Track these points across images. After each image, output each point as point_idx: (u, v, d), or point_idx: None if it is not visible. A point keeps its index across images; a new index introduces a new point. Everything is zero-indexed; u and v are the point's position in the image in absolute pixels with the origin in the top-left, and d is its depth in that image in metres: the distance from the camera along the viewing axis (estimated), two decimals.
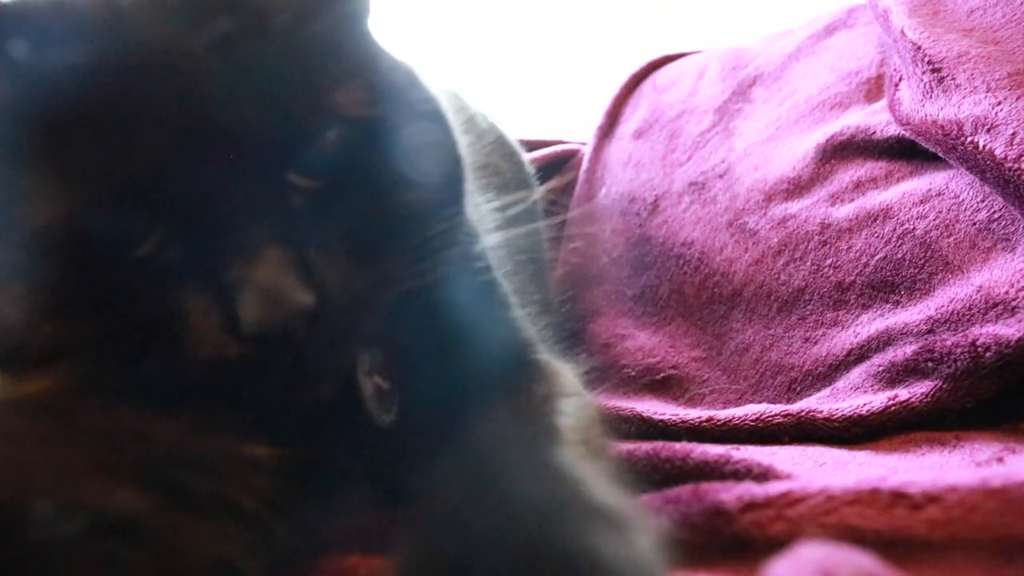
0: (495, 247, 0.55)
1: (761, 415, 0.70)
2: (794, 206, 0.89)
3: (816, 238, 0.84)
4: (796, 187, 0.90)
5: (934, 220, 0.75)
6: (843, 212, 0.83)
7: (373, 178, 0.43)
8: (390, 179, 0.44)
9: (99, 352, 0.39)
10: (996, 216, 0.71)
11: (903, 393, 0.67)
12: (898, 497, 0.38)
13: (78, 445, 0.37)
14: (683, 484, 0.45)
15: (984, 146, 0.67)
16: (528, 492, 0.34)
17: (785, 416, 0.69)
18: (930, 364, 0.67)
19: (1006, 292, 0.65)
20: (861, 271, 0.78)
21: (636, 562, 0.31)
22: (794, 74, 1.04)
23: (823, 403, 0.71)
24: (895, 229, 0.78)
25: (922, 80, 0.76)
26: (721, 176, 1.00)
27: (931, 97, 0.75)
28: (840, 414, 0.68)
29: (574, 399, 0.49)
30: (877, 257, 0.78)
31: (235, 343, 0.38)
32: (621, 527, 0.32)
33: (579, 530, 0.31)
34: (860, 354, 0.74)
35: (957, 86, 0.73)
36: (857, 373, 0.73)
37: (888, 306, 0.75)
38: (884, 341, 0.72)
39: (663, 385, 0.88)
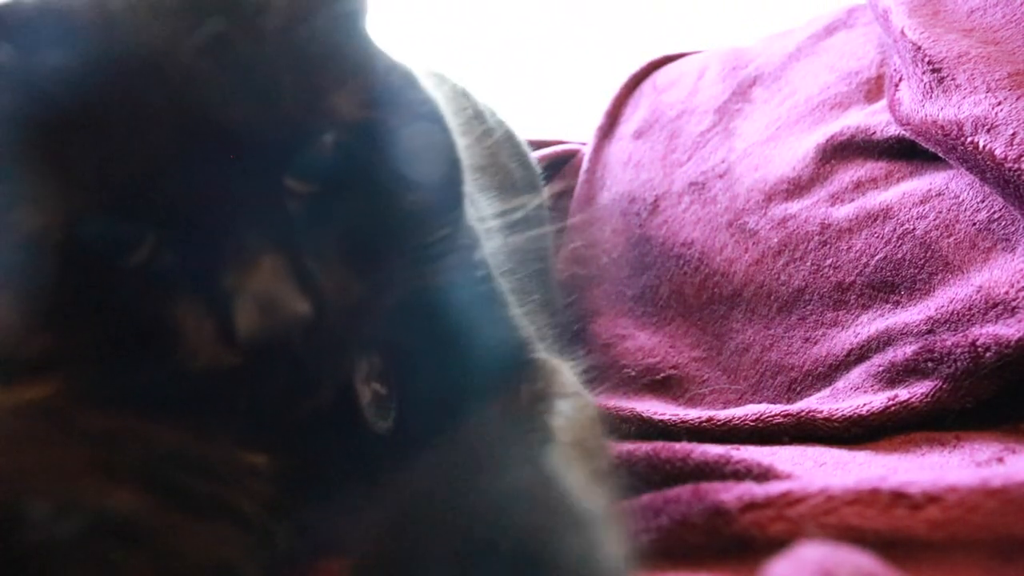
0: (497, 251, 0.54)
1: (761, 415, 0.70)
2: (794, 206, 0.89)
3: (816, 238, 0.84)
4: (796, 187, 0.90)
5: (934, 220, 0.75)
6: (843, 212, 0.83)
7: (371, 182, 0.42)
8: (388, 183, 0.43)
9: (93, 362, 0.38)
10: (996, 216, 0.71)
11: (903, 393, 0.67)
12: (898, 497, 0.38)
13: (76, 446, 0.37)
14: (683, 484, 0.45)
15: (984, 146, 0.67)
16: (501, 491, 0.34)
17: (785, 416, 0.69)
18: (930, 364, 0.67)
19: (1006, 292, 0.65)
20: (861, 271, 0.78)
21: (592, 564, 0.31)
22: (794, 74, 1.04)
23: (823, 403, 0.71)
24: (895, 229, 0.77)
25: (922, 80, 0.76)
26: (721, 176, 1.00)
27: (931, 97, 0.75)
28: (840, 414, 0.67)
29: (571, 399, 0.49)
30: (877, 257, 0.78)
31: (231, 353, 0.37)
32: (588, 529, 0.32)
33: (541, 530, 0.31)
34: (860, 354, 0.74)
35: (957, 86, 0.73)
36: (857, 373, 0.73)
37: (888, 306, 0.75)
38: (884, 341, 0.72)
39: (663, 385, 0.88)
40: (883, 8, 0.88)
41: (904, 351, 0.69)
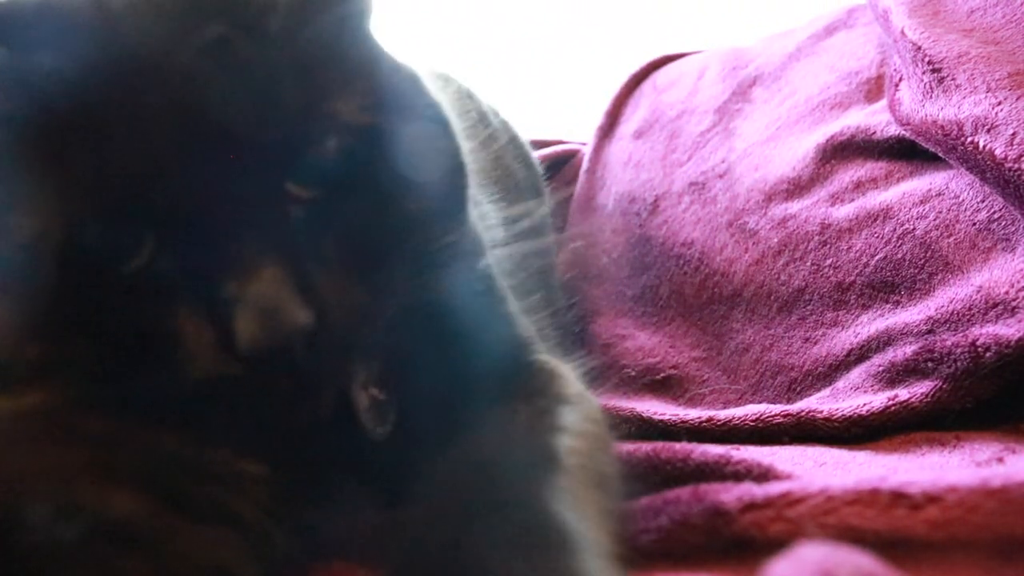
0: (501, 255, 0.53)
1: (761, 415, 0.70)
2: (794, 206, 0.89)
3: (816, 238, 0.84)
4: (796, 187, 0.90)
5: (934, 220, 0.75)
6: (843, 212, 0.83)
7: (373, 187, 0.42)
8: (391, 188, 0.42)
9: (90, 367, 0.38)
10: (996, 216, 0.71)
11: (903, 393, 0.67)
12: (898, 497, 0.38)
13: (76, 449, 0.36)
14: (683, 485, 0.45)
15: (984, 146, 0.67)
16: (502, 539, 0.33)
17: (785, 416, 0.69)
18: (930, 364, 0.67)
19: (1006, 292, 0.65)
20: (861, 271, 0.78)
21: None
22: (794, 74, 1.04)
23: (823, 403, 0.71)
24: (895, 229, 0.77)
25: (922, 80, 0.76)
26: (721, 176, 1.00)
27: (931, 97, 0.75)
28: (840, 414, 0.68)
29: (575, 406, 0.47)
30: (877, 257, 0.78)
31: (231, 362, 0.36)
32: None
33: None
34: (860, 354, 0.74)
35: (957, 86, 0.73)
36: (857, 373, 0.73)
37: (888, 306, 0.75)
38: (884, 341, 0.72)
39: (663, 385, 0.88)
40: (883, 8, 0.88)
41: (904, 351, 0.69)
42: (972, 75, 0.72)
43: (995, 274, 0.68)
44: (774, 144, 0.97)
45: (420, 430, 0.43)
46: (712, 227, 0.96)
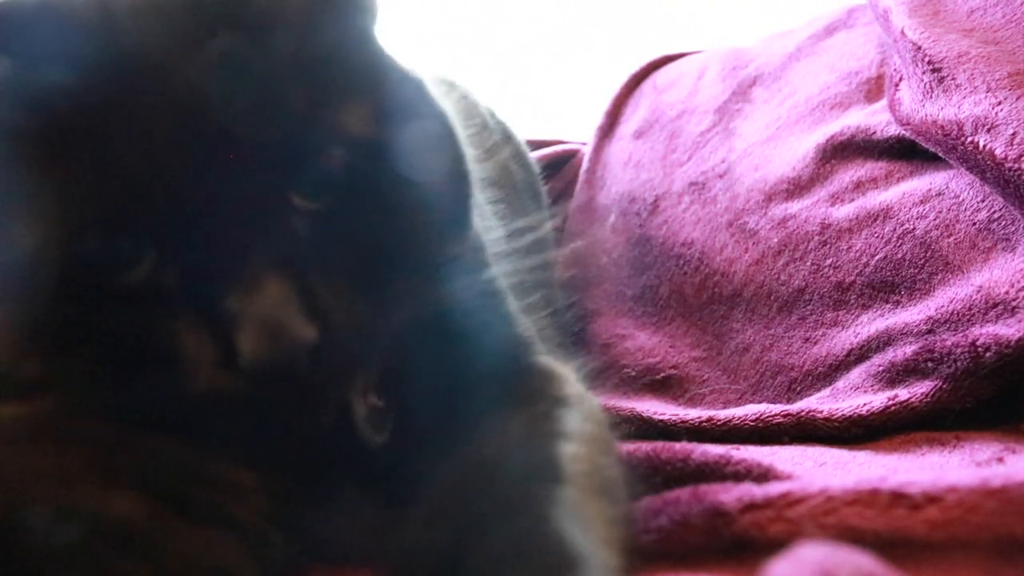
0: (504, 264, 0.53)
1: (761, 415, 0.70)
2: (794, 206, 0.89)
3: (816, 238, 0.84)
4: (796, 187, 0.90)
5: (934, 220, 0.75)
6: (843, 212, 0.83)
7: (379, 199, 0.41)
8: (396, 200, 0.41)
9: (89, 380, 0.37)
10: (996, 216, 0.71)
11: (903, 393, 0.67)
12: (898, 497, 0.38)
13: (75, 451, 0.36)
14: (683, 485, 0.45)
15: (984, 146, 0.67)
16: (505, 558, 0.32)
17: (785, 416, 0.69)
18: (930, 364, 0.67)
19: (1006, 292, 0.65)
20: (861, 271, 0.78)
21: None
22: (794, 74, 1.04)
23: (823, 403, 0.71)
24: (895, 229, 0.77)
25: (922, 80, 0.76)
26: (721, 176, 1.00)
27: (931, 97, 0.75)
28: (840, 414, 0.68)
29: (577, 409, 0.47)
30: (877, 257, 0.78)
31: (233, 377, 0.36)
32: None
33: None
34: (860, 354, 0.74)
35: (957, 86, 0.72)
36: (857, 373, 0.73)
37: (888, 306, 0.75)
38: (884, 341, 0.72)
39: (663, 385, 0.88)
40: (883, 8, 0.88)
41: (904, 351, 0.69)
42: (972, 75, 0.72)
43: (995, 274, 0.68)
44: (774, 144, 0.97)
45: (419, 435, 0.42)
46: (712, 227, 0.96)
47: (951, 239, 0.73)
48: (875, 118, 0.87)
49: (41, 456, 0.36)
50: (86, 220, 0.36)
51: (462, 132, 0.49)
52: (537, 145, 1.28)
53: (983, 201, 0.72)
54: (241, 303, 0.35)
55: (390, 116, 0.42)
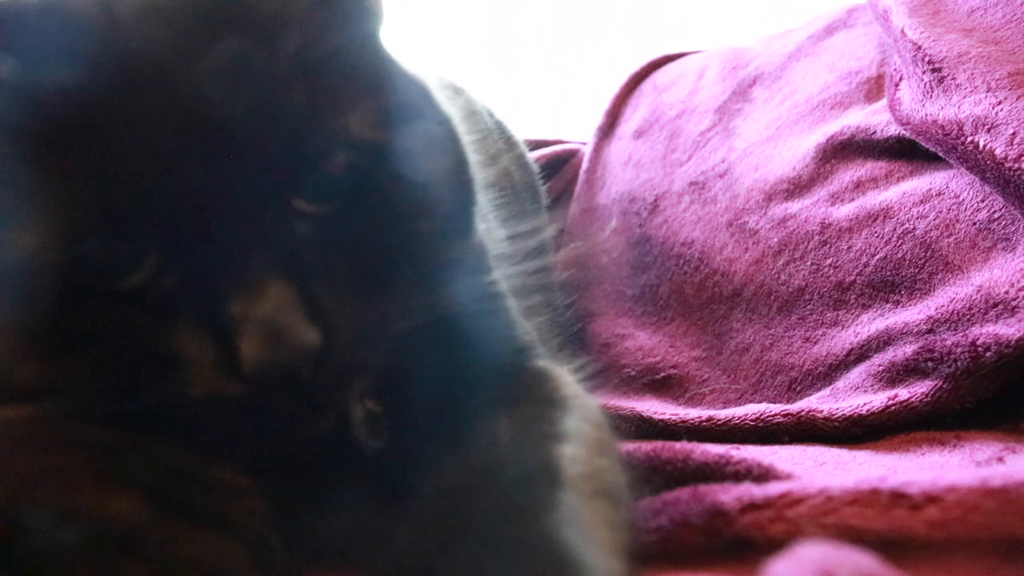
0: (506, 269, 0.52)
1: (761, 415, 0.70)
2: (794, 206, 0.89)
3: (816, 238, 0.84)
4: (796, 187, 0.90)
5: (934, 220, 0.75)
6: (843, 212, 0.83)
7: (381, 204, 0.40)
8: (399, 204, 0.41)
9: (87, 385, 0.37)
10: (996, 216, 0.71)
11: (903, 393, 0.67)
12: (898, 497, 0.38)
13: (75, 453, 0.36)
14: (683, 485, 0.45)
15: (984, 146, 0.67)
16: (507, 562, 0.32)
17: (785, 416, 0.69)
18: (930, 364, 0.67)
19: (1006, 292, 0.65)
20: (861, 271, 0.78)
21: None
22: (794, 74, 1.04)
23: (823, 403, 0.71)
24: (895, 229, 0.78)
25: (922, 80, 0.76)
26: (721, 176, 1.00)
27: (931, 97, 0.75)
28: (840, 414, 0.68)
29: (575, 411, 0.46)
30: (877, 257, 0.78)
31: (234, 382, 0.35)
32: None
33: None
34: (860, 354, 0.74)
35: (957, 86, 0.73)
36: (857, 373, 0.73)
37: (888, 306, 0.75)
38: (884, 341, 0.72)
39: (663, 385, 0.88)
40: (883, 8, 0.88)
41: (904, 351, 0.69)
42: (972, 75, 0.72)
43: (995, 274, 0.68)
44: (774, 144, 0.97)
45: (417, 439, 0.42)
46: (712, 227, 0.96)
47: (951, 239, 0.73)
48: (875, 118, 0.87)
49: (41, 458, 0.36)
50: (87, 222, 0.36)
51: (466, 137, 0.49)
52: (537, 145, 1.28)
53: (983, 201, 0.72)
54: (243, 307, 0.35)
55: (394, 120, 0.42)
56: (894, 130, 0.83)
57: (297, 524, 0.39)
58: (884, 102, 0.86)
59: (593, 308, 1.01)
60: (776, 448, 0.65)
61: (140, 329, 0.37)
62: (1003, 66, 0.71)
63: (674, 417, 0.74)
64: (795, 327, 0.82)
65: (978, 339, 0.64)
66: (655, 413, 0.76)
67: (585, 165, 1.20)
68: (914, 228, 0.76)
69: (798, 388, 0.78)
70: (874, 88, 0.92)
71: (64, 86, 0.35)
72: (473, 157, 0.49)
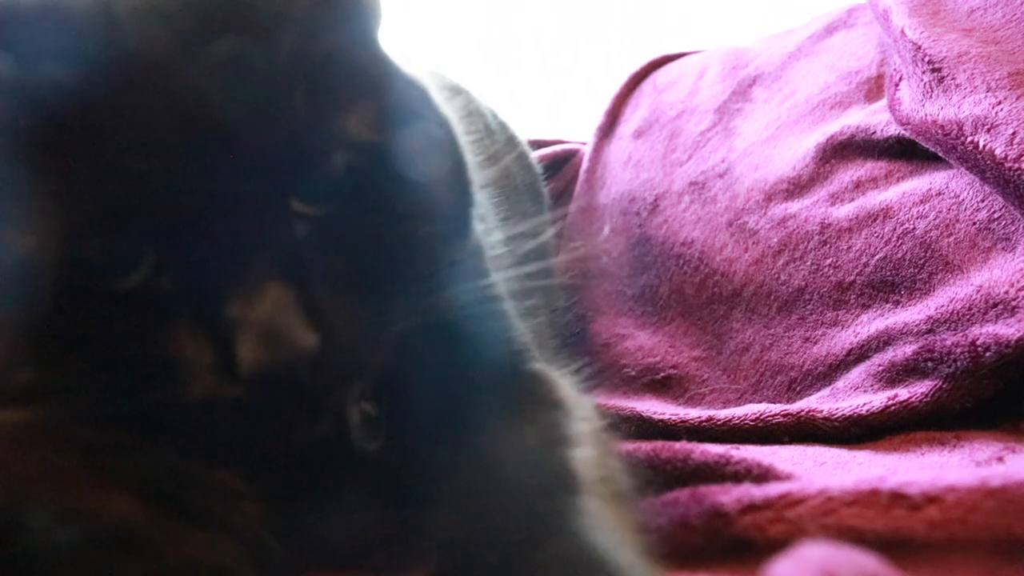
0: (502, 262, 0.52)
1: (761, 415, 0.70)
2: (794, 206, 0.89)
3: (816, 238, 0.84)
4: (796, 187, 0.90)
5: (934, 220, 0.75)
6: (843, 212, 0.83)
7: (379, 205, 0.40)
8: (398, 206, 0.41)
9: (83, 390, 0.37)
10: (996, 216, 0.71)
11: (903, 393, 0.67)
12: (897, 498, 0.38)
13: (74, 454, 0.36)
14: (683, 485, 0.45)
15: (984, 146, 0.67)
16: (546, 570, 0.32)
17: (785, 416, 0.69)
18: (930, 364, 0.67)
19: (1006, 292, 0.65)
20: (861, 271, 0.78)
21: None
22: (794, 74, 1.04)
23: (823, 403, 0.71)
24: (895, 229, 0.78)
25: (922, 80, 0.76)
26: (721, 176, 1.00)
27: (931, 97, 0.75)
28: (840, 414, 0.68)
29: (575, 413, 0.46)
30: (877, 257, 0.78)
31: (232, 384, 0.35)
32: None
33: None
34: (860, 354, 0.74)
35: (957, 86, 0.73)
36: (857, 373, 0.73)
37: (888, 306, 0.75)
38: (884, 341, 0.72)
39: (663, 385, 0.88)
40: (883, 8, 0.88)
41: (904, 351, 0.69)
42: (972, 75, 0.72)
43: (995, 274, 0.68)
44: (774, 144, 0.97)
45: (414, 440, 0.42)
46: (712, 227, 0.96)
47: (951, 239, 0.73)
48: (875, 118, 0.87)
49: (40, 459, 0.36)
50: (85, 222, 0.36)
51: (464, 138, 0.49)
52: (537, 145, 1.28)
53: (983, 201, 0.72)
54: (241, 309, 0.35)
55: (393, 121, 0.41)
56: (894, 130, 0.83)
57: (295, 525, 0.39)
58: (884, 102, 0.86)
59: (593, 308, 1.01)
60: (776, 448, 0.65)
61: (138, 330, 0.36)
62: (1003, 66, 0.71)
63: (674, 417, 0.74)
64: (795, 327, 0.82)
65: (978, 339, 0.64)
66: (655, 413, 0.76)
67: (585, 165, 1.20)
68: (914, 228, 0.76)
69: (798, 388, 0.78)
70: (874, 88, 0.92)
71: (63, 86, 0.35)
72: (471, 158, 0.49)
